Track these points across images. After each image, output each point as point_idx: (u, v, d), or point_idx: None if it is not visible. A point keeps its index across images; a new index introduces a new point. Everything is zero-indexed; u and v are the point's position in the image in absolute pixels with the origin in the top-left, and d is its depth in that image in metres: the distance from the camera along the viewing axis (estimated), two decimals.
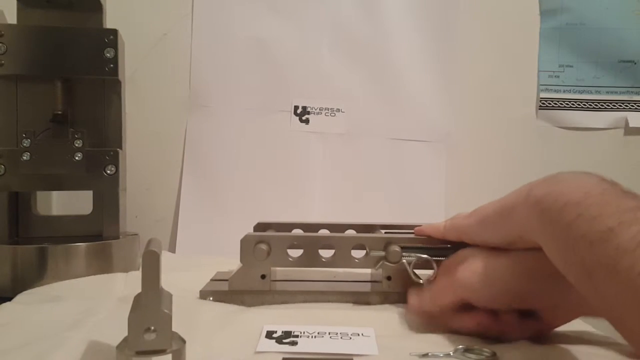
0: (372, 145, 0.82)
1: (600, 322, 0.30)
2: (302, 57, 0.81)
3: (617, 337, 0.29)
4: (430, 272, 0.46)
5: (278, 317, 0.42)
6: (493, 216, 0.37)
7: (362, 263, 0.47)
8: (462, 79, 0.84)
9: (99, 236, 0.59)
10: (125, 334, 0.28)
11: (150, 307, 0.28)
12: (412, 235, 0.47)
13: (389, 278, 0.47)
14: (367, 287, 0.49)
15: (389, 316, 0.43)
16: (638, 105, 0.85)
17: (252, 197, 0.79)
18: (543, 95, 0.85)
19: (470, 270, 0.37)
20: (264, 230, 0.53)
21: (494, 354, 0.33)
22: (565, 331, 0.39)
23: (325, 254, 0.47)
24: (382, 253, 0.46)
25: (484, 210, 0.39)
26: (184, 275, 0.52)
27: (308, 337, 0.36)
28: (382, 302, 0.47)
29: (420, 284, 0.43)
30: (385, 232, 0.50)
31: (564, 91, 0.85)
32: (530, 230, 0.33)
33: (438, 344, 0.37)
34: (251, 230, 0.54)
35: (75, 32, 0.58)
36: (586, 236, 0.27)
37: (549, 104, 0.85)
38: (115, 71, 0.58)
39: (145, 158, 0.78)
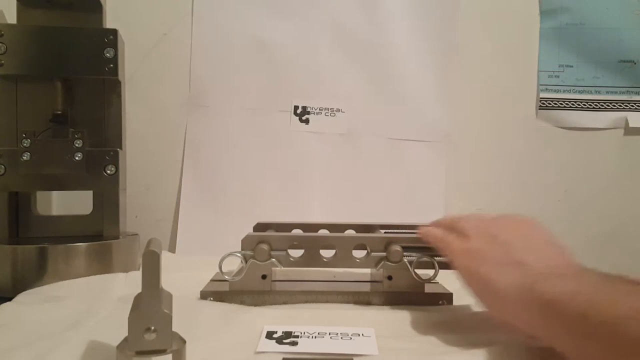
0: (372, 145, 0.82)
1: None
2: (302, 57, 0.81)
3: None
4: (431, 272, 0.46)
5: (278, 317, 0.42)
6: (492, 292, 0.37)
7: (363, 263, 0.47)
8: (462, 79, 0.84)
9: (99, 236, 0.59)
10: (125, 334, 0.28)
11: (150, 307, 0.28)
12: (413, 235, 0.47)
13: (389, 278, 0.47)
14: (367, 287, 0.49)
15: (389, 316, 0.43)
16: (638, 105, 0.85)
17: (252, 197, 0.79)
18: (543, 95, 0.85)
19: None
20: (264, 230, 0.53)
21: None
22: None
23: (326, 254, 0.47)
24: (383, 253, 0.46)
25: (487, 268, 0.37)
26: (184, 275, 0.52)
27: (308, 337, 0.36)
28: (382, 302, 0.47)
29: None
30: (385, 232, 0.50)
31: (563, 91, 0.85)
32: (530, 324, 0.33)
33: (438, 344, 0.37)
34: (251, 230, 0.54)
35: (75, 32, 0.58)
36: (606, 321, 0.27)
37: (549, 104, 0.85)
38: (115, 71, 0.58)
39: (145, 158, 0.78)
